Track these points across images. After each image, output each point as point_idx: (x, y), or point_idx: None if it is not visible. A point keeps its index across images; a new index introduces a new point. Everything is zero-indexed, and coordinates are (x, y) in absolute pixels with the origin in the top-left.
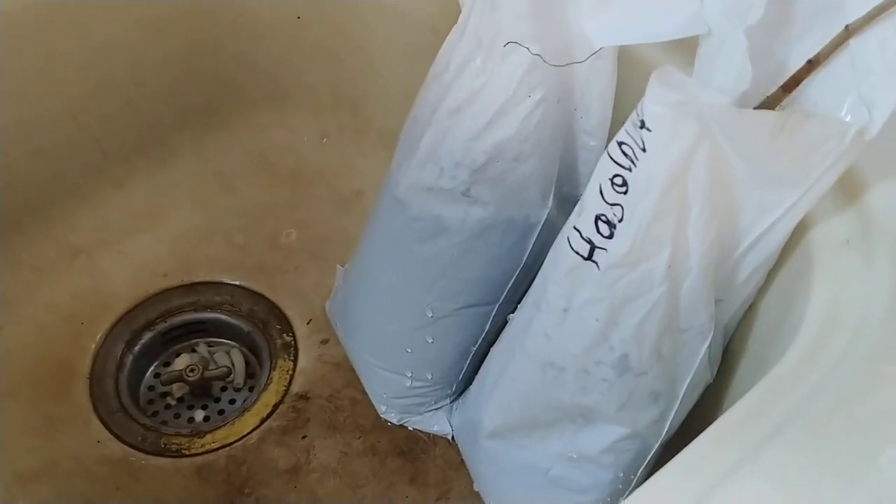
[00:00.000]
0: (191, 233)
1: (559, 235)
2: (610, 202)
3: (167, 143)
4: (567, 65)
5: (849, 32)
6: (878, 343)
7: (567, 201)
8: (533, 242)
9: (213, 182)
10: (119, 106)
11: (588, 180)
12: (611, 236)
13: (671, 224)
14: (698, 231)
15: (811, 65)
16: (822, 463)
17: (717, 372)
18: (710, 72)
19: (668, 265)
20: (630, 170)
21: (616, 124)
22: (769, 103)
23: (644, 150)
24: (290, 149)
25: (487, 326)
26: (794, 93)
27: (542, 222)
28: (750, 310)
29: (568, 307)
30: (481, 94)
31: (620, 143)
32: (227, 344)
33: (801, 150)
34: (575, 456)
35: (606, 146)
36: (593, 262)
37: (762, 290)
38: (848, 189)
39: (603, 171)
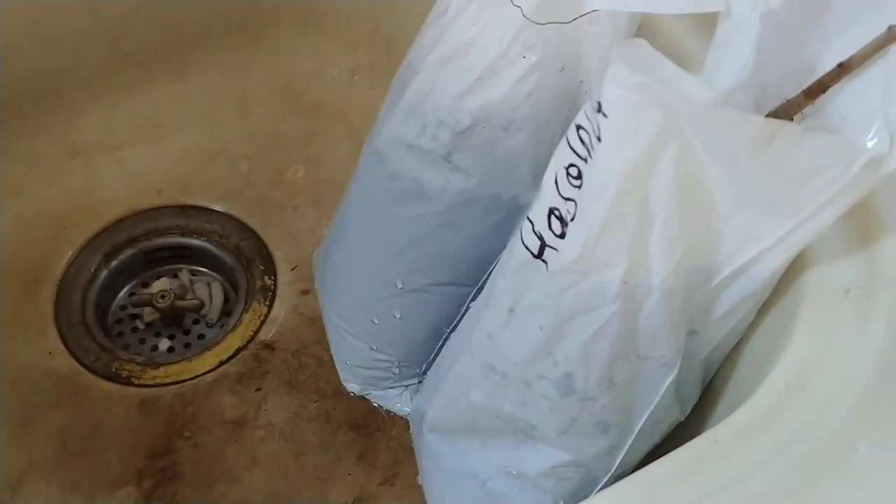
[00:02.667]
0: (195, 152)
1: (518, 224)
2: (564, 195)
3: (188, 53)
4: (547, 24)
5: (892, 35)
6: (845, 427)
7: None
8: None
9: (229, 102)
10: (140, 5)
11: None
12: (562, 235)
13: (628, 234)
14: (661, 248)
15: (842, 69)
16: None
17: (695, 410)
18: (720, 60)
19: (624, 281)
20: (586, 160)
21: None
22: (788, 109)
23: (599, 139)
24: (317, 80)
25: (464, 310)
26: (820, 101)
27: (530, 206)
28: (737, 348)
29: (513, 308)
30: (473, 46)
31: (579, 127)
32: (209, 275)
33: (796, 172)
34: (514, 472)
35: None
36: (543, 261)
37: (751, 328)
38: (863, 229)
39: (560, 156)
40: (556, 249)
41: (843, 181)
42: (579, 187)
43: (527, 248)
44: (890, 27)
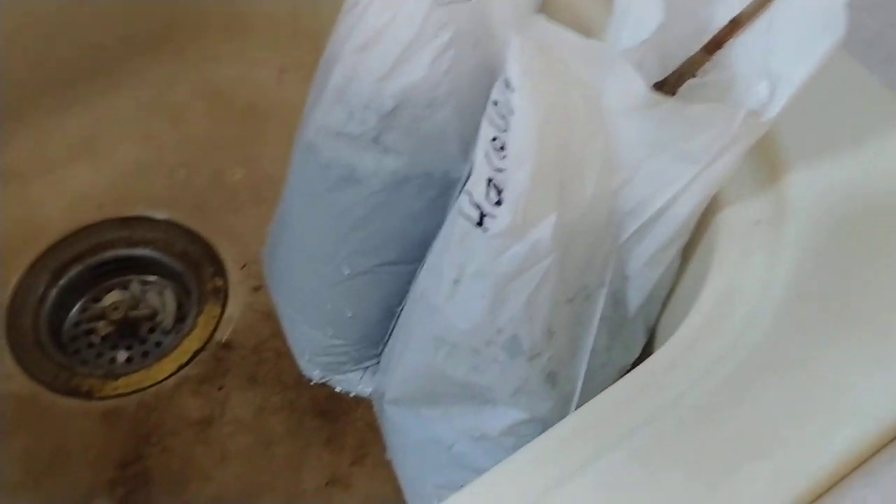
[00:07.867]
0: (132, 164)
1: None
2: (496, 167)
3: (114, 69)
4: (449, 3)
5: None
6: (763, 342)
7: None
8: (454, 200)
9: (161, 114)
10: (60, 25)
11: None
12: (499, 202)
13: (553, 190)
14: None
15: (734, 25)
16: (672, 469)
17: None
18: (624, 20)
19: (554, 233)
20: (506, 131)
21: None
22: (690, 66)
23: (513, 111)
24: (246, 82)
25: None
26: (717, 56)
27: (462, 178)
28: (671, 292)
29: (459, 279)
30: (387, 31)
31: (495, 102)
32: (160, 283)
33: (684, 130)
34: (477, 435)
35: None
36: (484, 228)
37: (680, 274)
38: (770, 166)
39: (485, 131)
40: (494, 216)
41: (728, 136)
42: (505, 157)
43: (467, 218)
44: None
